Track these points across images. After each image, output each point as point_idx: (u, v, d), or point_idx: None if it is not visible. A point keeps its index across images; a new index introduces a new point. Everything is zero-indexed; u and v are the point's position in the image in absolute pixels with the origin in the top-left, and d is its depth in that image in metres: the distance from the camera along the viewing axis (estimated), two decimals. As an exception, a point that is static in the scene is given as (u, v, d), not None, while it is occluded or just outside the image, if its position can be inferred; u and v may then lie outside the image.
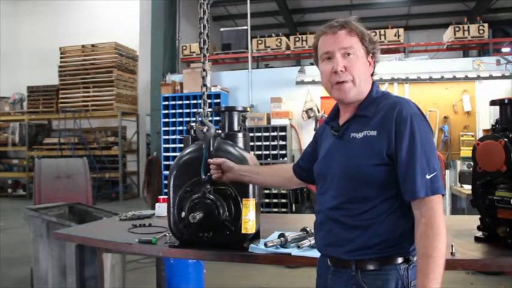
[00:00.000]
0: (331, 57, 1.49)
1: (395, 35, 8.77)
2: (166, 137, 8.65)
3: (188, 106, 8.44)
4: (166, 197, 2.19)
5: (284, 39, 9.30)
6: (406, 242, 1.42)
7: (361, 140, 1.45)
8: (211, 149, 2.00)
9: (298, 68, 8.49)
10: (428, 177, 1.36)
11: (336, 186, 1.49)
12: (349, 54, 1.47)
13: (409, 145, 1.38)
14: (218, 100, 8.23)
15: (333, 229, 1.49)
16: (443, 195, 1.39)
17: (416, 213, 1.37)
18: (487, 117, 7.26)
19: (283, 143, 7.67)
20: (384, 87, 7.24)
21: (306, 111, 7.98)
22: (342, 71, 1.47)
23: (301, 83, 8.08)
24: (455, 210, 5.92)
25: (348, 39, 1.48)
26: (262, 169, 1.99)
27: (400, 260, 1.42)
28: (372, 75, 1.57)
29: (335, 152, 1.53)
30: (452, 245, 1.76)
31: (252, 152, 2.22)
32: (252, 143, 7.16)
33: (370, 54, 1.52)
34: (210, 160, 1.92)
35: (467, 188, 5.12)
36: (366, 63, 1.51)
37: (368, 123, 1.46)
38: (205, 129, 2.03)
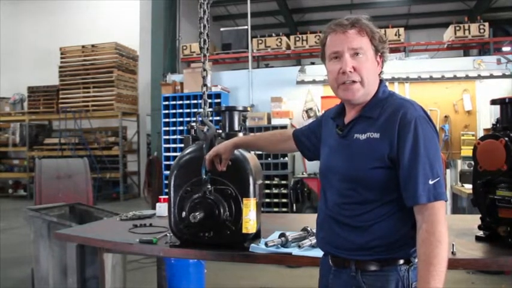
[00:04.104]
0: (340, 57, 1.44)
1: (395, 35, 8.76)
2: (167, 137, 8.64)
3: (188, 106, 8.44)
4: (166, 197, 2.19)
5: (284, 38, 9.29)
6: (406, 244, 1.40)
7: (364, 141, 1.43)
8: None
9: (299, 67, 8.49)
10: (431, 182, 1.33)
11: (337, 186, 1.49)
12: (358, 54, 1.43)
13: (412, 149, 1.35)
14: (218, 100, 8.22)
15: (333, 228, 1.49)
16: (445, 201, 1.36)
17: (418, 219, 1.35)
18: (487, 117, 7.25)
19: (284, 142, 7.65)
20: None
21: (306, 111, 7.97)
22: (350, 71, 1.43)
23: (301, 82, 8.08)
24: (456, 209, 5.91)
25: (358, 39, 1.43)
26: (259, 140, 1.97)
27: (401, 261, 1.41)
28: (380, 74, 1.53)
29: (338, 152, 1.52)
30: (453, 245, 1.76)
31: (253, 152, 2.22)
32: (252, 143, 7.15)
33: (379, 54, 1.49)
34: (206, 160, 1.90)
35: (468, 187, 5.11)
36: (374, 64, 1.48)
37: (372, 125, 1.44)
38: (205, 129, 2.04)
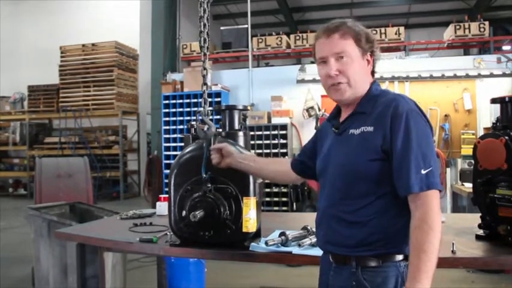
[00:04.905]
0: (326, 62, 1.52)
1: (395, 34, 8.74)
2: (167, 135, 8.64)
3: (189, 105, 8.43)
4: (167, 195, 2.20)
5: (284, 37, 9.28)
6: (405, 238, 1.41)
7: (359, 136, 1.47)
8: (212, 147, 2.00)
9: (299, 66, 8.48)
10: (423, 172, 1.36)
11: (334, 182, 1.51)
12: (342, 57, 1.49)
13: (404, 140, 1.38)
14: (219, 99, 8.22)
15: (332, 225, 1.51)
16: (440, 191, 1.39)
17: (411, 208, 1.38)
18: (487, 115, 7.24)
19: (284, 141, 7.65)
20: (384, 86, 7.22)
21: (307, 110, 7.97)
22: (336, 74, 1.50)
23: (301, 81, 8.07)
24: (456, 208, 5.92)
25: (340, 44, 1.49)
26: (259, 159, 1.98)
27: (400, 257, 1.44)
28: (373, 73, 1.58)
29: (334, 149, 1.55)
30: (453, 243, 1.77)
31: (253, 151, 2.22)
32: (252, 142, 7.15)
33: (369, 53, 1.53)
34: (213, 146, 1.92)
35: (468, 186, 5.11)
36: (362, 64, 1.52)
37: (366, 120, 1.48)
38: (205, 128, 2.03)
